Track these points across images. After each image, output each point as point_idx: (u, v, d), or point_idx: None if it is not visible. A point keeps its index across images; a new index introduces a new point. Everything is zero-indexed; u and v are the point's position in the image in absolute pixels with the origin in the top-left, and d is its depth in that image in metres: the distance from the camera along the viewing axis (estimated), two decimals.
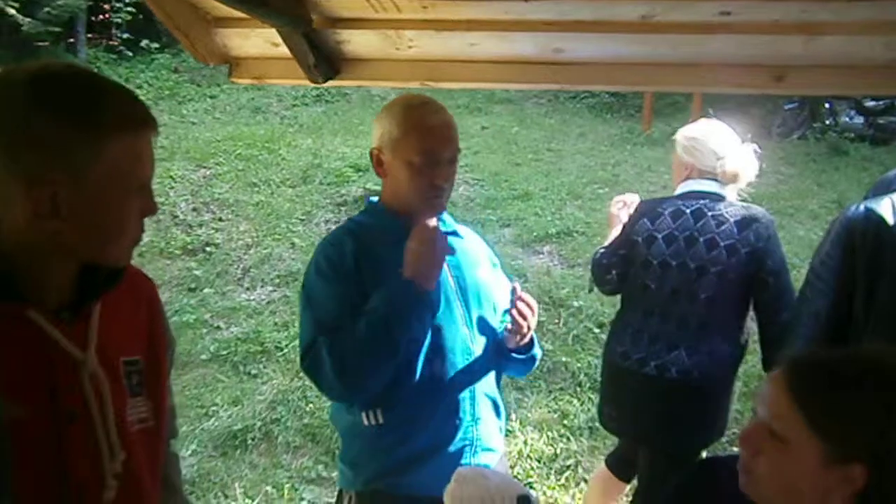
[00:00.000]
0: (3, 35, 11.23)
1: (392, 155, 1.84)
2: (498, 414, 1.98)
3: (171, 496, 1.47)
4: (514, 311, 1.87)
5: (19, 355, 1.10)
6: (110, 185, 1.10)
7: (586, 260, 6.11)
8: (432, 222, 1.82)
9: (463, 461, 1.84)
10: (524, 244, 6.50)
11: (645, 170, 8.51)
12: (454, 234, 1.98)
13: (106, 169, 1.09)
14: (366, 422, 1.81)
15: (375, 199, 1.98)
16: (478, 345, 1.89)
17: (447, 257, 1.80)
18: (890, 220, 1.82)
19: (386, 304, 1.71)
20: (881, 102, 9.93)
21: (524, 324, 1.88)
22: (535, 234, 6.62)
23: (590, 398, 4.62)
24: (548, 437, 4.31)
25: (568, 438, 4.29)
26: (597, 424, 4.35)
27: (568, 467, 4.05)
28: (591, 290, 3.37)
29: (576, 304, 5.47)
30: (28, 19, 10.84)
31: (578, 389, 4.72)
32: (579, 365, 4.89)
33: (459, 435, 1.85)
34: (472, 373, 1.87)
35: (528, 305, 1.88)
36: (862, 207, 1.88)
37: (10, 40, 11.25)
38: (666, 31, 2.15)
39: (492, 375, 1.94)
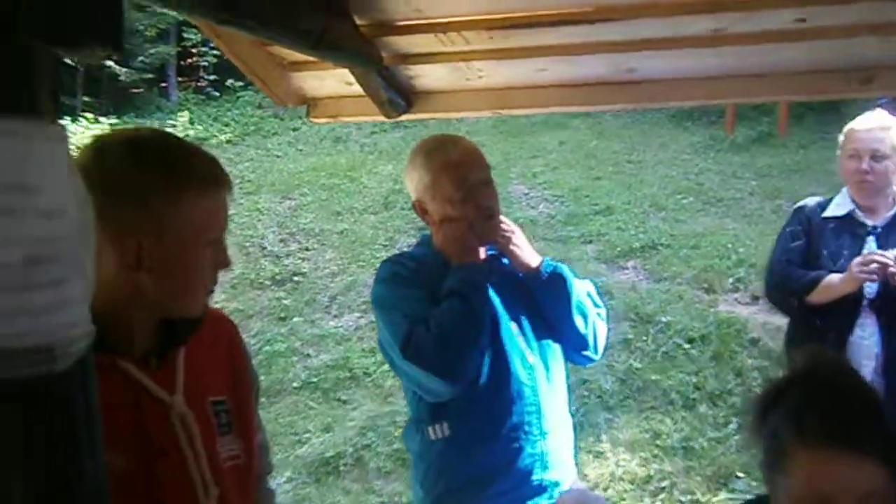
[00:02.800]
0: (104, 85, 11.96)
1: (432, 200, 1.92)
2: (566, 428, 1.98)
3: None
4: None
5: (113, 403, 1.17)
6: (188, 238, 1.19)
7: (672, 273, 5.98)
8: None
9: (533, 478, 1.84)
10: (607, 260, 6.41)
11: (730, 176, 8.26)
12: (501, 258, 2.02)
13: (185, 223, 1.18)
14: (433, 436, 1.84)
15: (426, 234, 2.05)
16: (537, 359, 1.92)
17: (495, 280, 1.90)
18: None
19: (454, 285, 1.82)
20: None
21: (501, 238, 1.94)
22: (618, 249, 6.52)
23: (683, 417, 4.49)
24: (640, 457, 4.21)
25: (661, 459, 4.18)
26: (692, 444, 4.25)
27: (663, 489, 3.94)
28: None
29: (664, 319, 5.34)
30: (124, 69, 11.53)
31: (671, 408, 4.60)
32: (670, 382, 4.77)
33: (528, 449, 1.84)
34: (536, 386, 1.88)
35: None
36: None
37: (109, 89, 11.99)
38: (738, 42, 2.10)
39: (558, 390, 1.95)
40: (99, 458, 0.81)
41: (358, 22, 2.03)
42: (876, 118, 2.69)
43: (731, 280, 5.79)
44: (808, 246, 2.79)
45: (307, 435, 4.66)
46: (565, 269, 2.01)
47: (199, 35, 12.74)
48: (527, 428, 1.85)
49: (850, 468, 1.13)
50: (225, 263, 1.27)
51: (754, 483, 3.88)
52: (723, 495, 3.86)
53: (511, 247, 1.96)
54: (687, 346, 5.07)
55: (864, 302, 2.60)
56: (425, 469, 1.91)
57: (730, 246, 6.30)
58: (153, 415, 1.21)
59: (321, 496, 4.12)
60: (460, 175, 1.88)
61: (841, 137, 2.76)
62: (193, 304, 1.26)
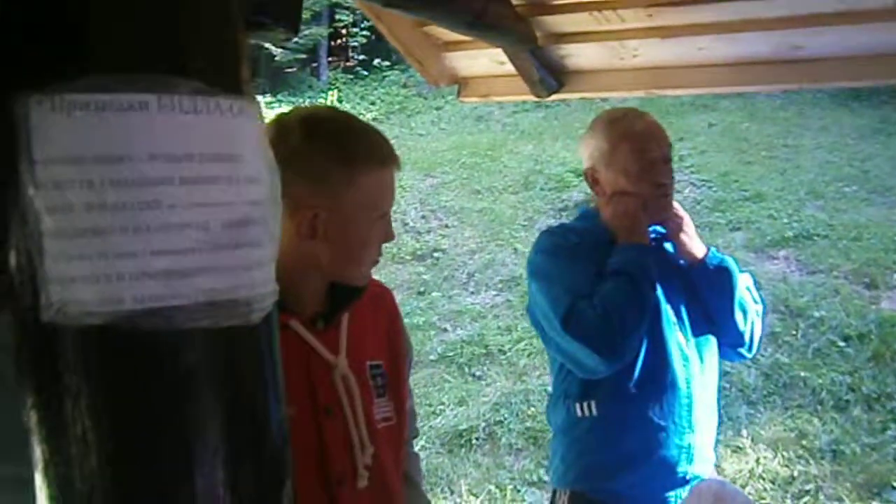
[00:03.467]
0: (262, 65, 12.67)
1: (606, 168, 1.85)
2: (714, 420, 1.92)
3: (412, 491, 1.60)
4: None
5: (286, 360, 1.28)
6: (361, 211, 1.27)
7: (829, 266, 5.62)
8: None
9: (678, 470, 1.79)
10: (757, 249, 6.11)
11: None
12: (663, 243, 1.95)
13: (358, 197, 1.26)
14: (579, 413, 1.82)
15: (592, 205, 1.99)
16: (693, 351, 1.85)
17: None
18: None
19: (620, 264, 1.76)
20: None
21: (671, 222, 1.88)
22: (768, 237, 6.19)
23: (833, 418, 4.24)
24: (783, 457, 4.02)
25: (807, 461, 3.97)
26: (842, 448, 4.01)
27: (807, 492, 3.75)
28: None
29: (816, 314, 5.04)
30: (280, 49, 12.15)
31: (819, 408, 4.35)
32: (820, 381, 4.51)
33: (675, 440, 1.80)
34: (689, 378, 1.82)
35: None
36: None
37: (266, 69, 12.69)
38: None
39: (710, 383, 1.89)
40: (282, 408, 0.89)
41: (514, 2, 2.05)
42: None
43: None
44: None
45: (441, 407, 4.79)
46: (731, 263, 1.93)
47: (351, 16, 13.21)
48: (676, 419, 1.80)
49: None
50: (390, 237, 1.35)
51: None
52: None
53: (681, 234, 1.90)
54: (842, 343, 4.76)
55: None
56: (568, 444, 1.91)
57: None
58: (319, 374, 1.31)
59: (453, 467, 4.23)
60: (641, 147, 1.82)
61: None
62: (360, 274, 1.34)
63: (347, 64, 13.83)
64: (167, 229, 0.73)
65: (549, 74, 2.40)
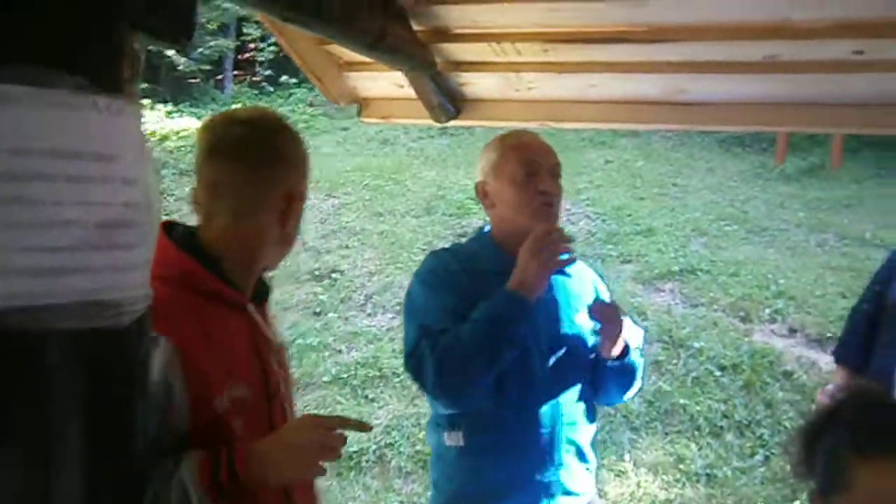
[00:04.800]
0: (162, 74, 12.28)
1: (495, 179, 1.87)
2: (583, 459, 1.90)
3: None
4: (594, 308, 1.85)
5: (242, 340, 1.32)
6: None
7: (710, 299, 5.93)
8: (549, 228, 1.77)
9: (552, 498, 1.81)
10: (645, 281, 6.38)
11: (777, 206, 8.15)
12: (562, 273, 1.93)
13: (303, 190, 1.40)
14: (448, 441, 1.82)
15: (487, 228, 1.97)
16: (563, 390, 1.85)
17: (545, 298, 1.80)
18: None
19: (490, 309, 1.71)
20: None
21: (610, 330, 1.84)
22: (656, 270, 6.48)
23: (709, 443, 4.45)
24: (662, 480, 4.19)
25: (684, 484, 4.16)
26: (715, 471, 4.21)
27: None
28: None
29: (696, 345, 5.30)
30: (183, 59, 11.82)
31: (697, 433, 4.56)
32: (699, 408, 4.73)
33: (537, 476, 1.80)
34: (555, 417, 1.82)
35: (608, 306, 1.87)
36: None
37: (167, 79, 12.31)
38: (792, 70, 2.10)
39: (580, 423, 1.89)
40: (149, 414, 0.87)
41: (415, 27, 2.09)
42: None
43: (768, 311, 5.72)
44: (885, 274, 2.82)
45: None
46: (639, 364, 1.95)
47: (259, 31, 13.02)
48: (542, 454, 1.81)
49: None
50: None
51: None
52: None
53: (609, 339, 1.85)
54: (718, 373, 5.03)
55: None
56: (440, 470, 1.92)
57: (770, 276, 6.21)
58: (267, 356, 1.34)
59: (342, 490, 4.17)
60: (529, 156, 1.84)
61: None
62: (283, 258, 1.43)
63: (253, 79, 13.59)
64: (36, 226, 0.70)
65: (447, 101, 2.45)
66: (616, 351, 1.88)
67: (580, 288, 1.97)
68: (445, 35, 2.17)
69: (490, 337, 1.69)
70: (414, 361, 1.74)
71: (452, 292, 1.79)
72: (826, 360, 4.89)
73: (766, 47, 2.02)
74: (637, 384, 1.98)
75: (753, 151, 10.71)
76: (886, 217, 7.78)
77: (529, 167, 1.83)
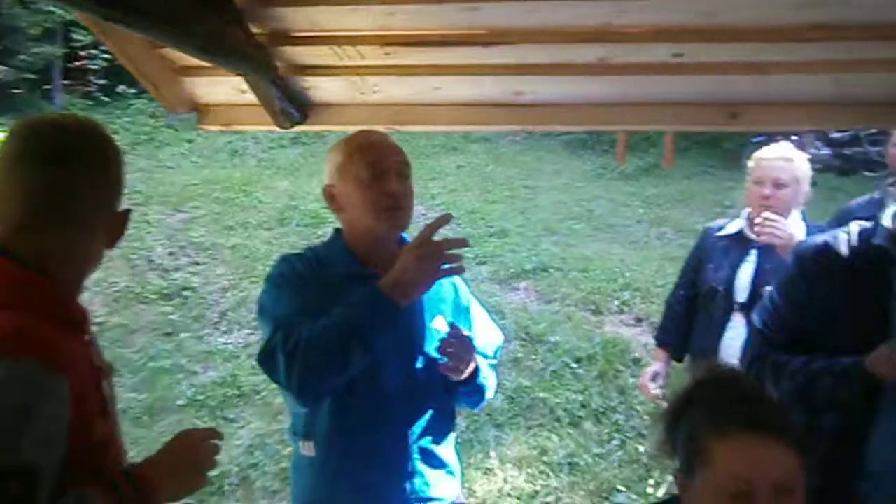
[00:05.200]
0: None
1: (342, 182, 1.81)
2: (439, 466, 1.87)
3: None
4: (443, 345, 1.78)
5: (93, 370, 1.24)
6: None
7: (562, 295, 6.18)
8: (442, 221, 1.70)
9: None
10: (500, 281, 6.54)
11: (620, 204, 8.64)
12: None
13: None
14: (303, 451, 1.78)
15: (337, 231, 1.92)
16: (420, 396, 1.82)
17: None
18: (844, 253, 1.88)
19: (352, 307, 1.63)
20: (846, 134, 10.17)
21: (454, 363, 1.78)
22: (511, 270, 6.67)
23: (569, 433, 4.62)
24: (528, 473, 4.30)
25: (548, 475, 4.28)
26: (577, 460, 4.37)
27: None
28: None
29: (552, 339, 5.50)
30: (3, 67, 10.88)
31: (557, 425, 4.72)
32: (557, 400, 4.90)
33: (391, 487, 1.79)
34: (407, 427, 1.80)
35: (462, 341, 1.80)
36: (820, 240, 1.94)
37: None
38: (622, 72, 2.23)
39: (435, 430, 1.86)
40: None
41: (253, 30, 2.02)
42: (780, 149, 2.88)
43: (616, 302, 6.04)
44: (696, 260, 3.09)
45: None
46: (490, 383, 1.92)
47: (90, 37, 12.21)
48: (394, 465, 1.79)
49: (766, 451, 1.25)
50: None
51: (634, 496, 4.05)
52: None
53: (455, 362, 1.77)
54: (574, 365, 5.24)
55: (735, 306, 2.80)
56: (295, 479, 1.90)
57: (616, 270, 6.57)
58: (103, 381, 1.26)
59: None
60: (374, 157, 1.78)
61: (750, 164, 2.95)
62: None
63: (87, 89, 12.71)
64: None
65: (291, 105, 2.39)
66: (463, 377, 1.83)
67: (438, 290, 1.87)
68: (286, 38, 2.12)
69: (344, 336, 1.60)
70: (266, 355, 1.66)
71: (301, 294, 1.72)
72: None
73: (597, 50, 2.13)
74: (489, 395, 1.96)
75: (596, 153, 11.30)
76: (715, 209, 8.44)
77: (375, 168, 1.78)
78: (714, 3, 1.86)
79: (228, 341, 5.85)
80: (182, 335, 5.91)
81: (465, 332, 1.82)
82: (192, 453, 1.26)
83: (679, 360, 3.23)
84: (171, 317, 6.13)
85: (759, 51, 2.09)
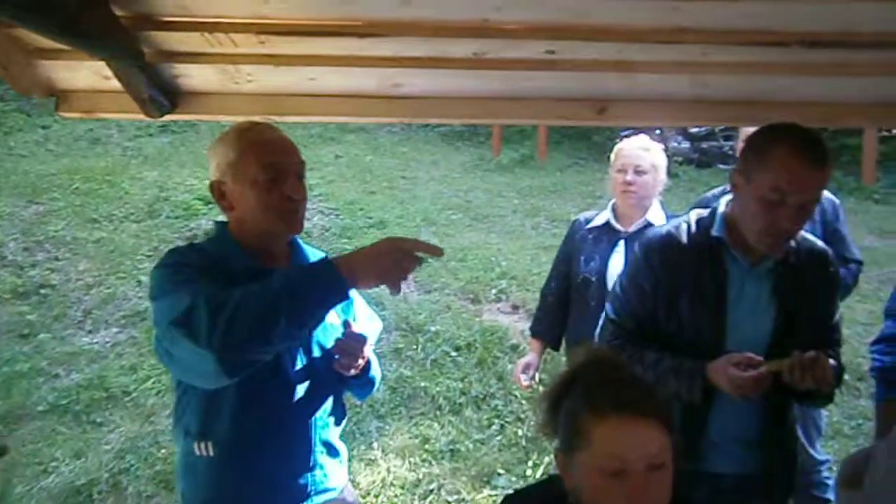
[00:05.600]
0: None
1: (234, 180, 1.73)
2: (335, 455, 1.91)
3: None
4: (339, 344, 1.80)
5: None
6: None
7: (441, 285, 6.25)
8: (433, 251, 1.61)
9: (310, 497, 1.82)
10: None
11: (496, 195, 8.83)
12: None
13: None
14: (197, 451, 1.73)
15: (223, 220, 1.83)
16: (320, 388, 1.83)
17: None
18: (684, 241, 2.02)
19: (300, 270, 1.58)
20: (703, 129, 10.87)
21: (353, 365, 1.82)
22: None
23: (450, 421, 4.70)
24: (410, 462, 4.34)
25: (430, 463, 4.34)
26: (458, 446, 4.46)
27: (431, 492, 4.09)
28: None
29: (432, 328, 5.56)
30: None
31: (438, 413, 4.79)
32: (438, 389, 4.97)
33: (293, 481, 1.79)
34: (311, 418, 1.81)
35: (357, 340, 1.82)
36: (663, 230, 2.08)
37: None
38: (497, 67, 2.28)
39: (331, 422, 1.89)
40: None
41: (117, 13, 1.92)
42: (639, 140, 3.15)
43: (494, 291, 6.18)
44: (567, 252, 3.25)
45: (54, 463, 4.21)
46: (377, 376, 1.98)
47: None
48: (296, 460, 1.79)
49: (639, 430, 1.34)
50: None
51: (514, 479, 4.18)
52: (486, 492, 4.09)
53: (346, 354, 1.79)
54: (454, 353, 5.32)
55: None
56: (187, 480, 1.81)
57: (493, 259, 6.72)
58: None
59: None
60: (271, 158, 1.71)
61: (612, 156, 3.14)
62: None
63: None
64: None
65: (160, 94, 2.29)
66: (354, 372, 1.85)
67: None
68: (153, 22, 2.02)
69: (281, 297, 1.47)
70: (184, 315, 1.48)
71: (211, 272, 1.61)
72: None
73: (474, 45, 2.17)
74: (377, 385, 2.02)
75: (473, 145, 11.49)
76: (586, 200, 8.81)
77: (273, 170, 1.71)
78: (586, 4, 1.94)
79: (94, 341, 5.52)
80: (41, 336, 5.52)
81: (358, 331, 1.82)
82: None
83: (555, 349, 3.36)
84: (29, 317, 5.71)
85: (626, 50, 2.20)
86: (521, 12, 2.04)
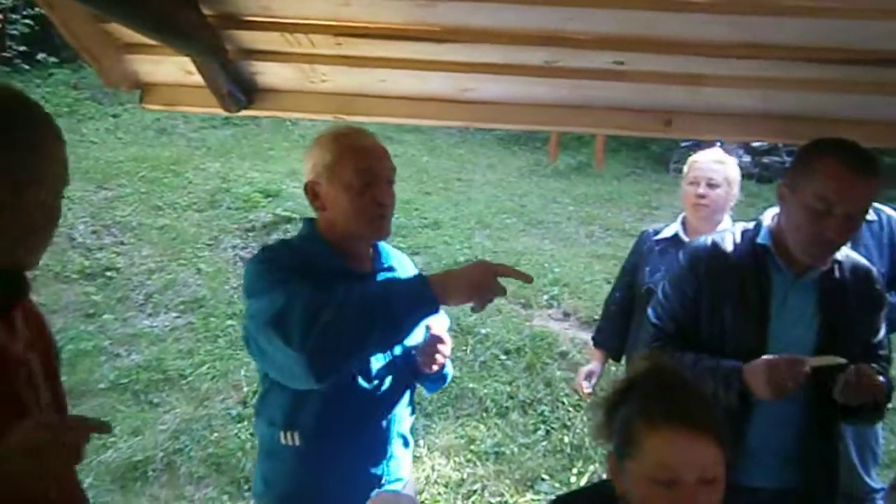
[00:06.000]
0: None
1: (328, 182, 1.79)
2: (406, 446, 1.99)
3: None
4: (425, 351, 1.87)
5: None
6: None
7: None
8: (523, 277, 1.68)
9: (371, 494, 1.85)
10: (433, 272, 6.59)
11: (551, 201, 8.82)
12: (391, 269, 1.95)
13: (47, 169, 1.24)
14: (283, 440, 1.79)
15: (309, 225, 1.88)
16: (400, 384, 1.89)
17: None
18: (729, 251, 2.03)
19: (396, 284, 1.66)
20: (765, 143, 10.67)
21: (435, 363, 1.88)
22: (444, 262, 6.73)
23: (496, 423, 4.72)
24: (455, 462, 4.38)
25: (475, 464, 4.37)
26: (503, 449, 4.48)
27: (474, 492, 4.13)
28: None
29: (483, 331, 5.59)
30: None
31: (484, 415, 4.82)
32: (486, 391, 5.00)
33: (372, 471, 1.86)
34: (392, 412, 1.88)
35: (439, 343, 1.88)
36: (709, 240, 2.09)
37: None
38: (566, 75, 2.30)
39: (406, 414, 1.96)
40: None
41: (205, 11, 2.01)
42: (713, 153, 3.08)
43: (545, 297, 6.18)
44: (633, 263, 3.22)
45: (113, 439, 4.37)
46: (450, 372, 2.04)
47: (9, 1, 11.64)
48: (375, 453, 1.85)
49: (692, 443, 1.34)
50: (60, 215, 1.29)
51: (557, 484, 4.18)
52: (529, 496, 4.11)
53: (429, 355, 1.85)
54: (503, 357, 5.35)
55: None
56: (271, 466, 1.87)
57: (546, 265, 6.72)
58: (16, 370, 1.19)
59: (126, 503, 3.89)
60: (367, 164, 1.77)
61: (685, 168, 3.11)
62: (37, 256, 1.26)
63: (3, 54, 12.11)
64: None
65: (238, 90, 2.38)
66: (436, 369, 1.90)
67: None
68: (237, 22, 2.10)
69: (378, 309, 1.55)
70: (278, 316, 1.55)
71: (304, 271, 1.67)
72: None
73: (545, 53, 2.20)
74: (447, 381, 2.09)
75: (529, 149, 11.50)
76: (641, 210, 8.75)
77: (367, 175, 1.77)
78: (656, 16, 1.95)
79: (154, 324, 5.72)
80: (105, 316, 5.74)
81: (440, 335, 1.88)
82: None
83: (617, 360, 3.35)
84: (94, 297, 5.95)
85: (694, 63, 2.20)
86: (591, 23, 2.06)
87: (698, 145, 10.88)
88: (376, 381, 1.83)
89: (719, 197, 2.98)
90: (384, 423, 1.86)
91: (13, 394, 1.18)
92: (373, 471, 1.86)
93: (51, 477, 1.08)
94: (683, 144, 11.08)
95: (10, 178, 1.14)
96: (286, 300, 1.57)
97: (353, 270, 1.80)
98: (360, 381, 1.79)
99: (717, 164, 3.01)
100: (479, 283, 1.59)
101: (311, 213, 1.90)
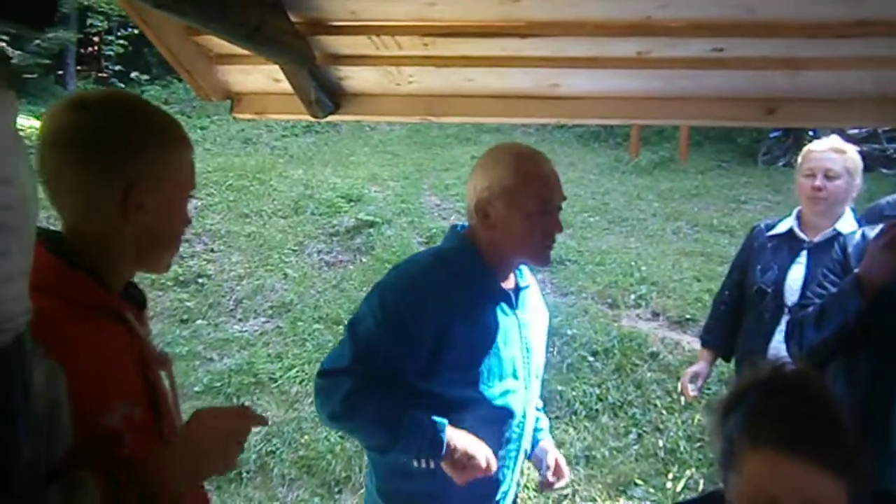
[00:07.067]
0: None
1: (506, 206, 1.77)
2: (527, 456, 2.01)
3: None
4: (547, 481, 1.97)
5: (126, 354, 1.19)
6: (175, 190, 1.27)
7: (578, 288, 6.16)
8: None
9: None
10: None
11: (634, 198, 8.60)
12: (526, 288, 1.94)
13: (174, 175, 1.26)
14: (416, 464, 1.74)
15: (462, 236, 1.88)
16: (531, 413, 1.90)
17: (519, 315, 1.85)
18: None
19: (416, 427, 1.68)
20: (863, 130, 10.09)
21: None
22: None
23: (585, 427, 4.62)
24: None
25: None
26: (593, 452, 4.37)
27: (565, 496, 4.04)
28: None
29: (569, 332, 5.48)
30: (18, 52, 10.90)
31: (574, 418, 4.72)
32: (574, 393, 4.90)
33: (495, 496, 1.86)
34: (522, 440, 1.87)
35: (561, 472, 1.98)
36: (858, 235, 1.96)
37: None
38: (660, 66, 2.21)
39: (531, 437, 1.97)
40: (28, 437, 0.77)
41: (293, 18, 2.01)
42: (831, 141, 2.84)
43: (633, 296, 6.01)
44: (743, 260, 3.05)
45: None
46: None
47: (105, 22, 12.24)
48: (502, 478, 1.85)
49: (796, 470, 1.19)
50: (190, 220, 1.33)
51: (651, 490, 4.05)
52: (622, 502, 3.99)
53: (548, 484, 1.98)
54: (591, 358, 5.23)
55: (786, 308, 2.75)
56: (396, 485, 1.85)
57: (633, 264, 6.54)
58: (154, 372, 1.23)
59: None
60: (547, 193, 1.78)
61: (799, 159, 2.91)
62: (169, 260, 1.30)
63: (100, 74, 12.75)
64: None
65: (325, 95, 2.39)
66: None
67: (540, 305, 2.06)
68: (325, 27, 2.10)
69: (386, 441, 1.71)
70: (328, 382, 1.74)
71: (400, 331, 1.70)
72: (687, 340, 5.21)
73: (637, 43, 2.11)
74: None
75: (609, 146, 11.26)
76: (729, 204, 8.42)
77: (545, 204, 1.78)
78: None
79: (244, 329, 5.87)
80: (198, 322, 5.94)
81: (558, 463, 2.00)
82: (214, 433, 1.16)
83: (727, 360, 3.19)
84: (187, 303, 6.16)
85: (798, 46, 2.07)
86: (685, 9, 1.96)
87: (787, 135, 10.52)
88: (514, 414, 1.82)
89: (838, 189, 2.75)
90: (517, 453, 1.87)
91: (154, 382, 1.22)
92: (496, 494, 1.87)
93: (234, 461, 1.18)
94: (772, 135, 10.63)
95: (144, 180, 1.17)
96: (346, 366, 1.72)
97: (503, 288, 1.83)
98: (501, 412, 1.79)
99: (836, 154, 2.78)
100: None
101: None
